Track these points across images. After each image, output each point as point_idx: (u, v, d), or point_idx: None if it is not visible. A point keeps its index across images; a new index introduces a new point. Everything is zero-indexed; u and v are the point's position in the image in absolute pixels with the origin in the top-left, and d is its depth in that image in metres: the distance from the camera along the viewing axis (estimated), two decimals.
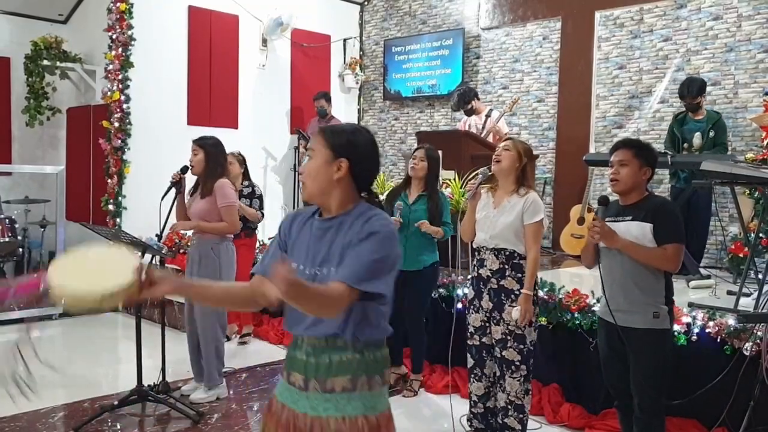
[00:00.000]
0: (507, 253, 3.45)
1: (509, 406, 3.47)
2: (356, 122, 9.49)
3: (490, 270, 3.48)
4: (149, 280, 1.73)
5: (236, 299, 1.99)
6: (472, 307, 3.60)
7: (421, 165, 4.51)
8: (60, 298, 1.64)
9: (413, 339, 4.66)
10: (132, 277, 1.67)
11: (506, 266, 3.45)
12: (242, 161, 5.72)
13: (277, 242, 1.99)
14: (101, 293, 1.62)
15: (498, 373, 3.53)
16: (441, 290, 4.95)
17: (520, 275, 3.44)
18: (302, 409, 1.83)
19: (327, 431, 1.79)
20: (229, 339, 5.55)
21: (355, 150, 1.86)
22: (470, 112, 6.76)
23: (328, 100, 8.09)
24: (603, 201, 3.09)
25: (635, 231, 2.97)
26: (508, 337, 3.44)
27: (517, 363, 3.44)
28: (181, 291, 1.91)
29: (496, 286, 3.46)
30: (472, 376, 3.64)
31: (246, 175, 5.73)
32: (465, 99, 6.74)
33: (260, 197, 5.67)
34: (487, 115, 6.67)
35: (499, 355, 3.49)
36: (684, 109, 5.72)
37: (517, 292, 3.42)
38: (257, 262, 2.02)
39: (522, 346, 3.44)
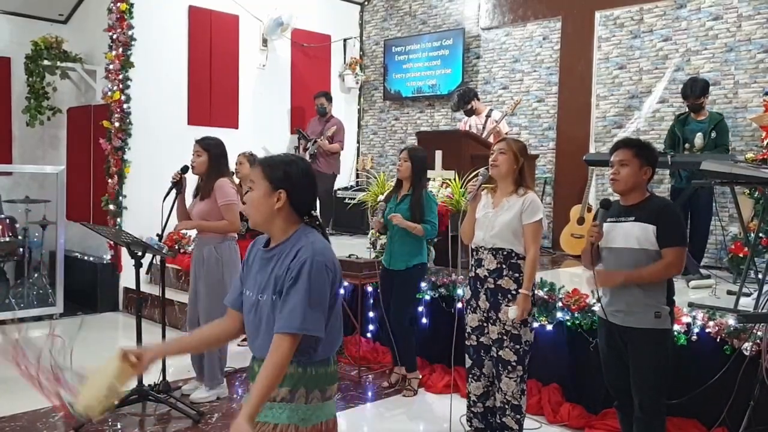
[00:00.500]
0: (505, 252, 3.45)
1: (506, 406, 3.48)
2: (356, 122, 9.51)
3: (487, 270, 3.48)
4: (135, 361, 1.99)
5: (213, 340, 2.21)
6: (469, 307, 3.60)
7: (405, 166, 4.54)
8: (82, 413, 1.92)
9: (398, 338, 4.67)
10: (122, 368, 1.95)
11: (504, 266, 3.45)
12: (253, 162, 5.67)
13: (241, 270, 2.18)
14: (107, 399, 1.91)
15: (495, 373, 3.54)
16: (441, 290, 4.96)
17: (517, 275, 3.44)
18: None
19: None
20: None
21: (291, 181, 2.00)
22: (470, 113, 6.77)
23: (329, 99, 8.10)
24: (605, 204, 3.08)
25: (638, 232, 2.97)
26: (505, 337, 3.44)
27: (514, 363, 3.45)
28: (163, 354, 2.16)
29: (492, 286, 3.46)
30: (471, 376, 3.64)
31: None
32: (465, 99, 6.75)
33: None
34: (487, 116, 6.67)
35: (495, 355, 3.49)
36: (686, 109, 5.73)
37: (514, 292, 3.42)
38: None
39: (518, 346, 3.44)
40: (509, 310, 3.39)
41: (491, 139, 6.39)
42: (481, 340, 3.57)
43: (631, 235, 2.98)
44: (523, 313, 3.37)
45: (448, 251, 5.19)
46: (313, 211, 2.09)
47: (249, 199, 2.03)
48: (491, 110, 6.80)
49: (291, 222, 2.02)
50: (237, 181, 5.43)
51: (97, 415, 1.90)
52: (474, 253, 3.61)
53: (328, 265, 1.95)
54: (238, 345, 5.73)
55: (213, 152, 4.35)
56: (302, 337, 1.90)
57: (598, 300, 3.22)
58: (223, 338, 2.19)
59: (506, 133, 6.54)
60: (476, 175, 3.78)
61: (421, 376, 4.75)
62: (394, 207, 4.59)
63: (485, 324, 3.53)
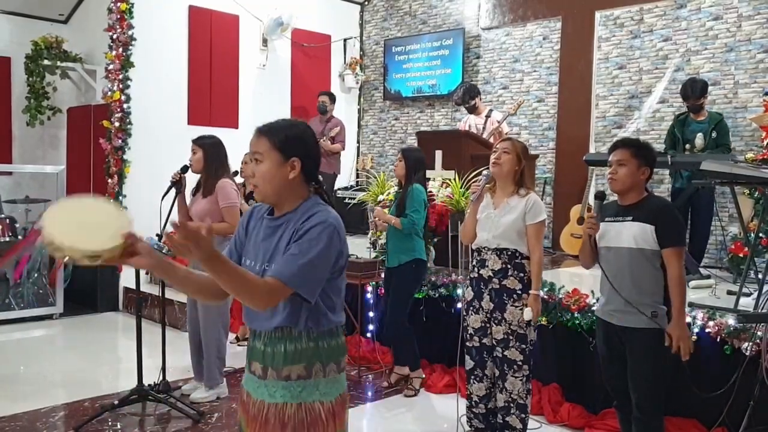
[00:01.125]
0: (509, 252, 3.45)
1: (511, 405, 3.48)
2: (356, 122, 9.50)
3: (492, 270, 3.48)
4: (133, 249, 1.71)
5: (204, 291, 1.91)
6: (471, 308, 3.59)
7: (399, 165, 4.65)
8: (49, 246, 1.64)
9: (396, 336, 4.67)
10: (119, 241, 1.68)
11: (509, 266, 3.45)
12: None
13: (234, 238, 2.03)
14: (87, 251, 1.64)
15: (498, 374, 3.54)
16: (441, 290, 4.96)
17: (521, 275, 3.44)
18: (261, 396, 1.91)
19: (283, 417, 1.86)
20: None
21: (303, 146, 1.89)
22: (473, 109, 6.77)
23: (332, 99, 8.12)
24: (599, 196, 3.12)
25: (636, 232, 2.97)
26: (510, 337, 3.45)
27: (520, 363, 3.45)
28: (158, 268, 1.79)
29: (497, 286, 3.46)
30: (473, 377, 3.63)
31: None
32: (470, 94, 6.76)
33: None
34: (487, 116, 6.68)
35: (500, 355, 3.49)
36: (685, 109, 5.72)
37: (519, 292, 3.42)
38: None
39: (524, 346, 3.45)
40: (524, 312, 3.40)
41: (491, 140, 6.39)
42: (483, 341, 3.57)
43: (630, 234, 2.99)
44: (537, 314, 3.40)
45: (448, 251, 5.20)
46: (319, 178, 2.00)
47: (258, 173, 1.88)
48: (491, 111, 6.80)
49: (301, 191, 1.92)
50: (241, 180, 5.42)
51: (57, 254, 1.64)
52: (476, 253, 3.60)
53: (340, 233, 1.87)
54: (238, 345, 5.74)
55: (207, 149, 4.35)
56: (305, 302, 1.80)
57: (598, 300, 3.22)
58: (212, 296, 1.90)
59: (506, 133, 6.54)
60: (478, 175, 3.78)
61: (423, 376, 4.72)
62: (391, 206, 4.66)
63: (488, 325, 3.53)
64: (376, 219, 4.73)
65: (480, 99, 6.87)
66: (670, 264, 2.93)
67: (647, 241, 2.95)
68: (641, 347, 2.96)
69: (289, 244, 1.83)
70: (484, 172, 3.58)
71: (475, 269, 3.58)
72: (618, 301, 3.01)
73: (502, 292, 3.45)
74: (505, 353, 3.47)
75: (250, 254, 1.95)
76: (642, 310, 2.96)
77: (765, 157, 5.31)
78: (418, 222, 4.49)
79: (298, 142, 1.89)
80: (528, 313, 3.39)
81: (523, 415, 3.49)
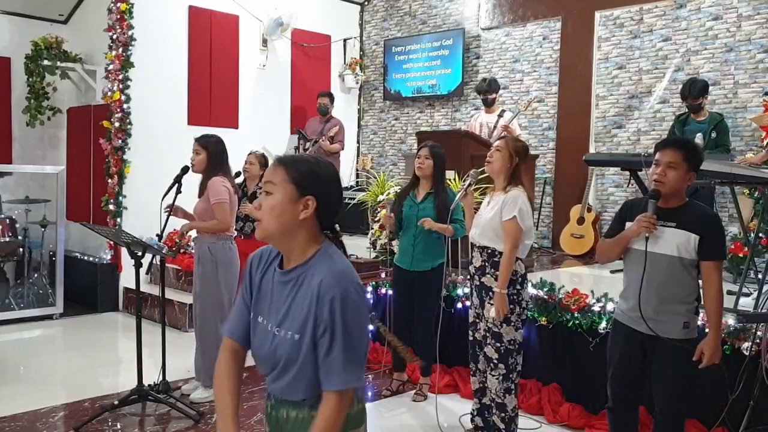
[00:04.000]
0: (489, 251, 3.50)
1: (492, 404, 3.52)
2: (356, 122, 9.50)
3: (474, 267, 3.56)
4: None
5: (239, 385, 1.87)
6: (471, 303, 3.73)
7: (426, 163, 4.34)
8: None
9: (423, 342, 4.53)
10: None
11: (487, 264, 3.51)
12: (264, 162, 5.49)
13: (243, 289, 1.84)
14: None
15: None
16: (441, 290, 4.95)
17: (498, 273, 3.47)
18: None
19: None
20: None
21: (322, 185, 1.70)
22: (491, 103, 6.78)
23: (332, 100, 8.11)
24: (655, 195, 2.89)
25: (679, 240, 2.83)
26: (488, 335, 3.51)
27: (495, 361, 3.48)
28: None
29: (478, 283, 3.54)
30: (472, 372, 3.71)
31: None
32: (494, 87, 6.78)
33: None
34: (499, 115, 6.71)
35: (483, 352, 3.57)
36: (686, 109, 5.73)
37: (496, 290, 3.46)
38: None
39: (499, 345, 3.47)
40: (490, 308, 3.46)
41: None
42: (475, 335, 3.64)
43: (672, 242, 2.84)
44: (499, 312, 3.38)
45: (448, 251, 5.20)
46: (335, 226, 1.78)
47: (267, 206, 1.68)
48: (503, 111, 6.83)
49: (313, 238, 1.71)
50: (241, 179, 5.41)
51: None
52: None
53: (360, 293, 1.67)
54: None
55: (211, 150, 4.35)
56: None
57: (609, 300, 3.22)
58: (240, 378, 1.87)
59: (518, 135, 6.55)
60: (467, 177, 3.83)
61: (430, 383, 4.61)
62: (415, 206, 4.38)
63: (477, 320, 3.61)
64: (425, 225, 4.32)
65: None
66: (710, 277, 2.81)
67: (689, 250, 2.82)
68: (668, 357, 2.86)
69: (300, 315, 1.67)
70: (471, 172, 3.66)
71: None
72: (649, 308, 2.86)
73: (481, 289, 3.54)
74: (485, 350, 3.54)
75: (261, 310, 1.76)
76: (675, 319, 2.86)
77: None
78: (465, 228, 4.30)
79: (318, 178, 1.69)
80: (492, 311, 3.41)
81: (503, 415, 3.50)
